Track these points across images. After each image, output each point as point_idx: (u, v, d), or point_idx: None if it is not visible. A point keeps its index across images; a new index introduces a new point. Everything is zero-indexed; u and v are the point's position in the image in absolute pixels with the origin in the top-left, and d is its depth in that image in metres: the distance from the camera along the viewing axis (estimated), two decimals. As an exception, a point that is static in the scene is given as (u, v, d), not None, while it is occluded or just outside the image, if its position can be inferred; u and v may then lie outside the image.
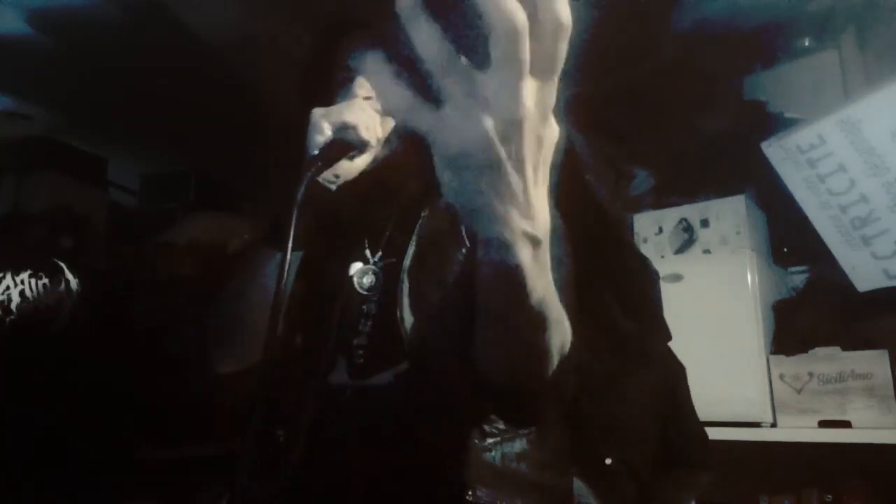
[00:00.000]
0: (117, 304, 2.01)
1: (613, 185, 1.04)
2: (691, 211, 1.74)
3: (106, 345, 1.92)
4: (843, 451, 1.46)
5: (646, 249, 1.78)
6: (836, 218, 1.53)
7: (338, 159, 0.77)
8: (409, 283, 0.87)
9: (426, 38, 0.43)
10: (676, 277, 1.68)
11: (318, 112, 0.79)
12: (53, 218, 2.06)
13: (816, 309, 1.63)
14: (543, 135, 0.47)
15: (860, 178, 1.48)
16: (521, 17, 0.41)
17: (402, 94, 0.46)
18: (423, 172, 0.82)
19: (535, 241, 0.52)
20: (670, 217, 1.76)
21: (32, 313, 1.81)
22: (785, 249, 1.81)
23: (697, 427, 1.02)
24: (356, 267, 0.93)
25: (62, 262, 1.89)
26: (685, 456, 0.98)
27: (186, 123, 2.31)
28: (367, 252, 0.94)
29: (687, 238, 1.73)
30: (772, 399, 1.56)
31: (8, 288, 1.78)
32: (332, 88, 0.94)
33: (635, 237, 1.80)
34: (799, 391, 1.53)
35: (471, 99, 0.44)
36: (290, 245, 0.63)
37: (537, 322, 0.62)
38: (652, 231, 1.78)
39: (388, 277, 0.90)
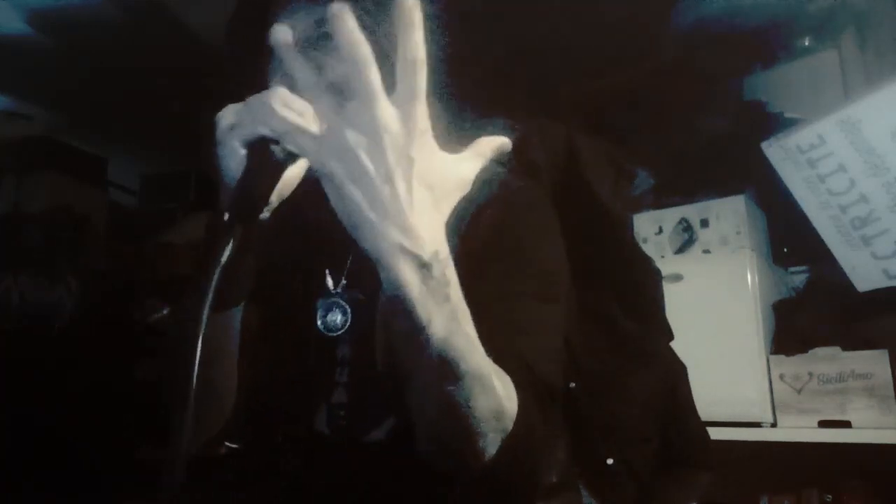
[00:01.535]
0: (117, 304, 2.01)
1: (614, 185, 1.03)
2: (691, 211, 1.74)
3: (106, 345, 1.92)
4: (843, 451, 1.46)
5: (646, 249, 1.77)
6: (836, 218, 1.53)
7: (269, 187, 0.57)
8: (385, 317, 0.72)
9: (298, 66, 0.51)
10: (676, 277, 1.68)
11: (226, 118, 0.58)
12: (53, 218, 2.06)
13: (816, 309, 1.63)
14: (413, 154, 0.49)
15: (860, 178, 1.48)
16: (364, 50, 0.48)
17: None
18: None
19: (419, 261, 0.50)
20: (670, 217, 1.76)
21: (32, 313, 1.81)
22: (785, 249, 1.81)
23: (698, 427, 1.02)
24: (318, 303, 0.77)
25: (62, 262, 1.89)
26: (686, 456, 0.98)
27: (186, 123, 2.31)
28: (329, 281, 0.78)
29: (687, 238, 1.73)
30: (772, 399, 1.56)
31: (8, 288, 1.78)
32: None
33: (635, 237, 1.80)
34: (799, 391, 1.53)
35: (338, 118, 0.49)
36: (205, 308, 0.49)
37: (441, 369, 0.53)
38: (652, 231, 1.78)
39: (358, 312, 0.75)
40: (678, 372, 1.00)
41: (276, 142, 0.55)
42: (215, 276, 0.50)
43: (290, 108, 0.52)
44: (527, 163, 0.95)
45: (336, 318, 0.76)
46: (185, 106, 2.24)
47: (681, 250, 1.74)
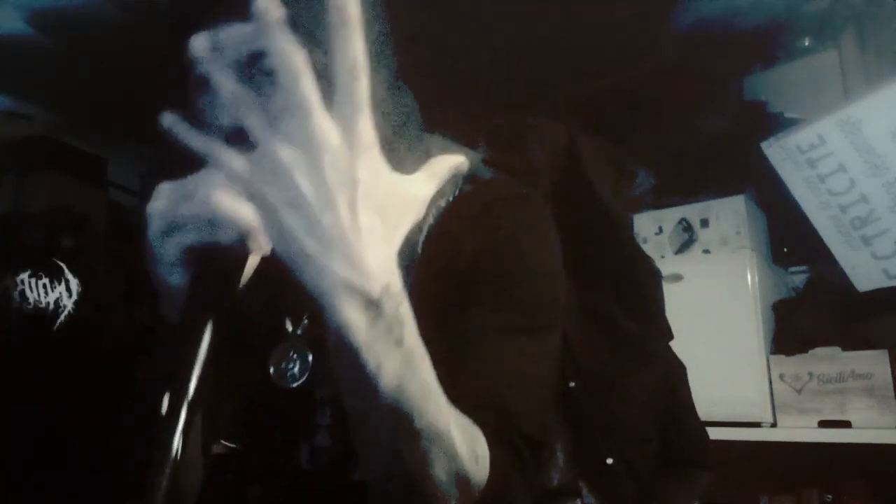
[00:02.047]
0: (117, 304, 2.01)
1: (615, 184, 1.03)
2: (691, 211, 1.74)
3: (106, 345, 1.91)
4: (843, 451, 1.46)
5: (646, 249, 1.77)
6: (836, 218, 1.53)
7: (232, 286, 0.49)
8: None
9: (222, 80, 0.45)
10: (676, 277, 1.68)
11: (160, 214, 0.49)
12: (53, 218, 2.05)
13: (816, 309, 1.63)
14: (358, 174, 0.44)
15: (860, 178, 1.48)
16: (296, 59, 0.41)
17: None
18: None
19: (367, 299, 0.43)
20: (670, 217, 1.77)
21: (32, 313, 1.81)
22: (785, 249, 1.81)
23: (698, 426, 1.02)
24: (275, 350, 0.70)
25: (62, 262, 1.89)
26: (686, 456, 0.98)
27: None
28: (287, 324, 0.71)
29: (687, 238, 1.73)
30: (772, 399, 1.56)
31: (8, 288, 1.78)
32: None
33: (635, 237, 1.80)
34: (799, 391, 1.53)
35: (269, 135, 0.43)
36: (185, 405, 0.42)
37: (392, 424, 0.47)
38: (652, 231, 1.78)
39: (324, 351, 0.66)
40: (678, 372, 1.00)
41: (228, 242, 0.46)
42: (193, 382, 0.43)
43: (228, 198, 0.44)
44: (525, 165, 0.93)
45: (294, 367, 0.68)
46: (185, 106, 2.24)
47: (681, 250, 1.74)
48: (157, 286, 0.54)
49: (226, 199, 0.45)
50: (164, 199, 0.50)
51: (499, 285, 0.67)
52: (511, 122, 1.01)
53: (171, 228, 0.48)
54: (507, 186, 0.78)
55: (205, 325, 0.45)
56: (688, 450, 0.97)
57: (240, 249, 0.47)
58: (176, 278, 0.50)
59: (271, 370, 0.69)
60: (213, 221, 0.45)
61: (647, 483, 0.88)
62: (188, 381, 0.43)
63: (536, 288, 0.71)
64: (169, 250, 0.49)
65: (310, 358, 0.68)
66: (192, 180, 0.48)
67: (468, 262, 0.68)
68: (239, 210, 0.45)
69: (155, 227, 0.49)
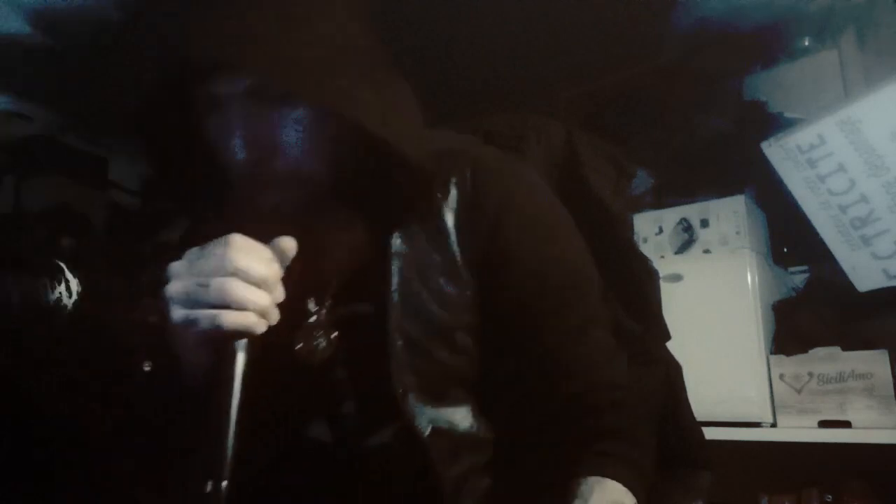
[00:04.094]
0: (117, 304, 2.01)
1: (615, 184, 1.03)
2: (691, 211, 1.73)
3: (106, 345, 1.91)
4: (843, 451, 1.46)
5: (646, 249, 1.78)
6: (836, 218, 1.53)
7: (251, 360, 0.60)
8: (402, 338, 0.71)
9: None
10: (676, 277, 1.68)
11: (178, 308, 0.61)
12: (53, 218, 2.05)
13: (816, 309, 1.62)
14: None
15: (860, 178, 1.48)
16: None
17: None
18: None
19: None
20: (670, 217, 1.76)
21: (32, 313, 1.81)
22: (785, 249, 1.81)
23: (695, 426, 1.03)
24: (302, 328, 0.75)
25: (62, 262, 1.89)
26: (684, 455, 0.98)
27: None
28: (311, 304, 0.76)
29: (687, 238, 1.73)
30: (772, 399, 1.56)
31: (8, 288, 1.78)
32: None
33: (635, 237, 1.80)
34: (799, 391, 1.53)
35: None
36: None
37: None
38: (652, 231, 1.78)
39: (356, 333, 0.74)
40: (675, 372, 1.01)
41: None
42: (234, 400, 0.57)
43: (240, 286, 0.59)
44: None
45: (320, 343, 0.74)
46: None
47: (681, 250, 1.74)
48: (176, 359, 0.65)
49: (239, 286, 0.58)
50: (181, 283, 0.61)
51: (572, 293, 0.79)
52: (510, 121, 1.02)
53: (192, 316, 0.60)
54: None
55: (233, 401, 0.57)
56: (686, 449, 0.98)
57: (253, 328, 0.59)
58: (196, 353, 0.62)
59: (299, 346, 0.73)
60: (231, 305, 0.58)
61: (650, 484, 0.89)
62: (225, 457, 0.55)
63: (594, 291, 0.83)
64: (190, 330, 0.60)
65: (334, 336, 0.74)
66: (203, 267, 0.60)
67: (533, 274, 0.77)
68: (252, 296, 0.59)
69: (177, 313, 0.61)
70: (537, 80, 2.00)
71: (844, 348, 1.51)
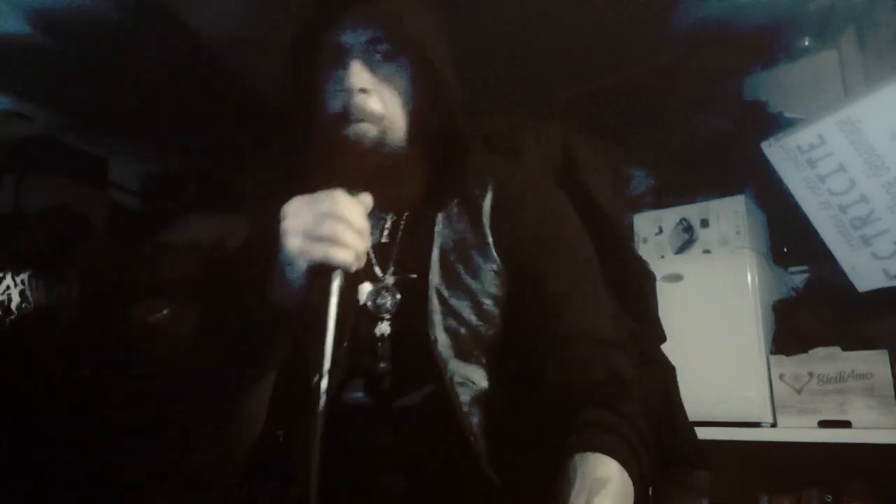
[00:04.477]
0: (117, 305, 2.01)
1: (612, 187, 1.05)
2: (691, 211, 1.73)
3: (106, 345, 1.91)
4: (843, 451, 1.46)
5: (646, 249, 1.78)
6: (836, 218, 1.53)
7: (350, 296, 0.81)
8: (439, 300, 0.85)
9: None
10: (676, 277, 1.68)
11: (293, 238, 0.75)
12: (53, 218, 2.05)
13: (816, 309, 1.62)
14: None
15: (860, 178, 1.48)
16: None
17: None
18: (423, 178, 0.92)
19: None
20: (670, 217, 1.76)
21: (32, 313, 1.81)
22: (785, 249, 1.81)
23: (689, 427, 1.03)
24: (366, 287, 0.89)
25: (62, 262, 1.89)
26: (679, 455, 0.98)
27: (186, 123, 2.31)
28: (377, 269, 0.90)
29: (687, 238, 1.73)
30: (772, 399, 1.56)
31: (8, 288, 1.78)
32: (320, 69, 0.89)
33: (635, 237, 1.80)
34: (799, 391, 1.53)
35: None
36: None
37: None
38: (652, 231, 1.78)
39: (406, 292, 0.87)
40: (670, 373, 1.01)
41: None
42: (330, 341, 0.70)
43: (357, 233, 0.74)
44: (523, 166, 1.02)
45: (386, 299, 0.87)
46: (185, 106, 2.24)
47: (681, 250, 1.74)
48: (280, 292, 0.76)
49: (347, 230, 0.73)
50: (301, 220, 0.74)
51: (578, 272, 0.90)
52: (508, 124, 1.04)
53: (306, 246, 0.73)
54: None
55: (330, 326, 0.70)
56: (680, 450, 0.98)
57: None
58: (300, 279, 0.74)
59: (368, 304, 0.88)
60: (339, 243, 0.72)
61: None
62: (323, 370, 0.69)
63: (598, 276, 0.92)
64: (299, 264, 0.73)
65: (399, 296, 0.87)
66: (318, 210, 0.74)
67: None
68: (354, 240, 0.73)
69: (293, 242, 0.74)
70: (537, 80, 1.99)
71: (844, 348, 1.51)
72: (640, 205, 1.86)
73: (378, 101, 0.85)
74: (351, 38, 0.85)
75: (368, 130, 0.84)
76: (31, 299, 1.80)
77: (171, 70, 2.05)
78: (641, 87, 1.98)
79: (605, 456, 0.70)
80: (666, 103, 1.89)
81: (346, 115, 0.84)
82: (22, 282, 1.80)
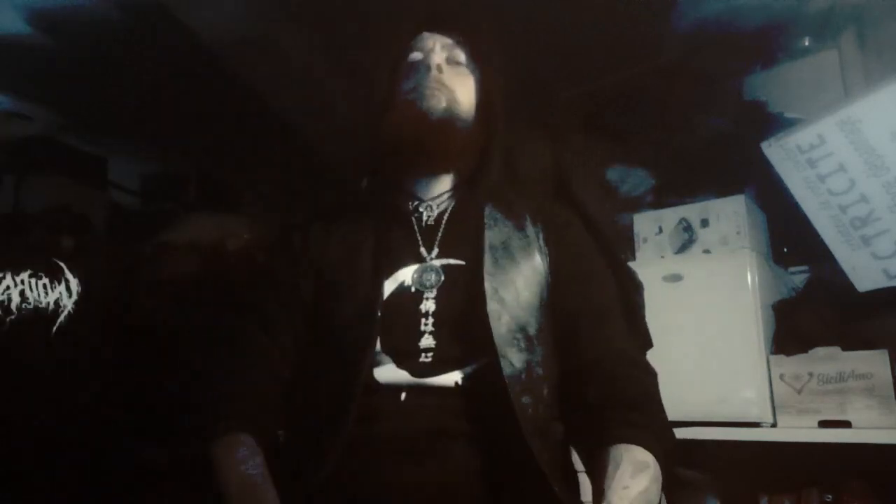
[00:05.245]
0: (117, 304, 2.01)
1: (599, 199, 1.11)
2: (691, 211, 1.73)
3: (105, 345, 1.92)
4: (843, 451, 1.46)
5: (646, 249, 1.78)
6: (836, 218, 1.53)
7: None
8: (489, 284, 0.93)
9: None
10: (676, 277, 1.68)
11: None
12: (53, 218, 2.06)
13: (816, 309, 1.62)
14: None
15: (860, 178, 1.48)
16: None
17: None
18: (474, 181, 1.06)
19: None
20: (670, 217, 1.76)
21: (32, 313, 1.81)
22: (785, 249, 1.81)
23: (671, 427, 1.05)
24: (412, 266, 0.97)
25: (62, 262, 1.89)
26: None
27: (186, 123, 2.31)
28: (422, 250, 0.99)
29: (687, 238, 1.73)
30: (772, 399, 1.55)
31: (8, 288, 1.78)
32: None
33: (635, 237, 1.80)
34: (799, 391, 1.53)
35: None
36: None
37: None
38: (652, 231, 1.78)
39: (448, 273, 0.96)
40: (654, 378, 1.03)
41: None
42: None
43: None
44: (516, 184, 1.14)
45: (430, 277, 0.95)
46: (186, 106, 2.24)
47: (681, 250, 1.74)
48: None
49: None
50: None
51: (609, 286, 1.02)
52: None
53: None
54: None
55: None
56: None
57: None
58: None
59: (413, 279, 0.96)
60: None
61: None
62: None
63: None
64: None
65: (443, 276, 0.95)
66: None
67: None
68: None
69: None
70: (537, 79, 1.99)
71: (844, 348, 1.51)
72: (640, 205, 1.86)
73: (449, 79, 1.01)
74: (431, 38, 1.05)
75: (440, 102, 0.98)
76: (31, 299, 1.80)
77: (171, 70, 2.05)
78: (641, 87, 1.98)
79: (646, 450, 0.81)
80: (666, 103, 1.89)
81: (419, 89, 0.99)
82: (22, 282, 1.80)
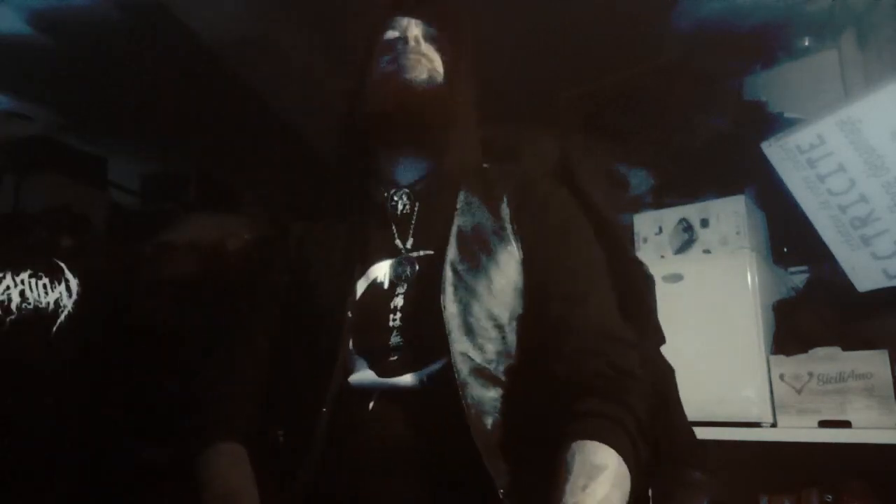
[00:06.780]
0: (117, 304, 2.01)
1: (607, 191, 1.08)
2: (691, 211, 1.73)
3: (105, 345, 1.91)
4: (843, 451, 1.46)
5: (646, 249, 1.78)
6: (836, 218, 1.53)
7: None
8: (454, 273, 0.89)
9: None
10: (676, 277, 1.68)
11: None
12: (53, 218, 2.06)
13: (816, 309, 1.62)
14: None
15: (860, 178, 1.48)
16: None
17: None
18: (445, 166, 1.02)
19: None
20: (670, 217, 1.76)
21: (32, 313, 1.81)
22: (785, 249, 1.81)
23: (687, 427, 1.03)
24: (387, 261, 0.95)
25: (62, 262, 1.89)
26: (677, 455, 0.98)
27: (186, 123, 2.31)
28: (398, 241, 0.97)
29: (687, 238, 1.73)
30: (772, 399, 1.55)
31: (8, 288, 1.78)
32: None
33: (635, 237, 1.80)
34: (799, 391, 1.53)
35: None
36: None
37: None
38: (652, 231, 1.78)
39: (422, 264, 0.93)
40: (668, 375, 1.01)
41: None
42: None
43: None
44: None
45: (405, 269, 0.93)
46: (186, 106, 2.24)
47: (681, 250, 1.74)
48: None
49: None
50: None
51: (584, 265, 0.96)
52: (504, 130, 1.07)
53: None
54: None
55: None
56: (679, 451, 0.98)
57: None
58: None
59: (390, 272, 0.93)
60: None
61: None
62: None
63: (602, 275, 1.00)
64: None
65: (417, 267, 0.93)
66: None
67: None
68: None
69: None
70: (537, 79, 1.99)
71: (844, 348, 1.51)
72: (640, 205, 1.86)
73: (428, 51, 1.01)
74: (405, 19, 1.04)
75: (421, 72, 0.98)
76: (31, 299, 1.80)
77: (171, 70, 2.05)
78: (641, 87, 1.97)
79: (603, 444, 0.72)
80: (666, 103, 1.89)
81: (400, 60, 0.99)
82: (22, 282, 1.80)
